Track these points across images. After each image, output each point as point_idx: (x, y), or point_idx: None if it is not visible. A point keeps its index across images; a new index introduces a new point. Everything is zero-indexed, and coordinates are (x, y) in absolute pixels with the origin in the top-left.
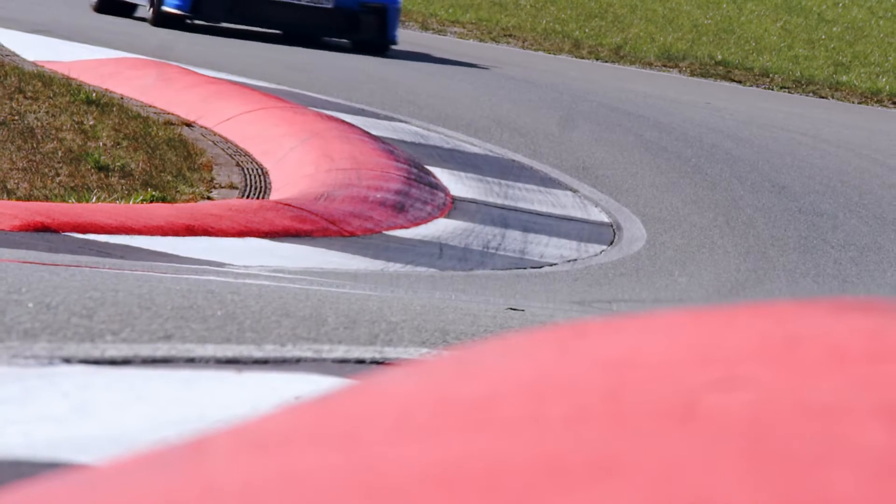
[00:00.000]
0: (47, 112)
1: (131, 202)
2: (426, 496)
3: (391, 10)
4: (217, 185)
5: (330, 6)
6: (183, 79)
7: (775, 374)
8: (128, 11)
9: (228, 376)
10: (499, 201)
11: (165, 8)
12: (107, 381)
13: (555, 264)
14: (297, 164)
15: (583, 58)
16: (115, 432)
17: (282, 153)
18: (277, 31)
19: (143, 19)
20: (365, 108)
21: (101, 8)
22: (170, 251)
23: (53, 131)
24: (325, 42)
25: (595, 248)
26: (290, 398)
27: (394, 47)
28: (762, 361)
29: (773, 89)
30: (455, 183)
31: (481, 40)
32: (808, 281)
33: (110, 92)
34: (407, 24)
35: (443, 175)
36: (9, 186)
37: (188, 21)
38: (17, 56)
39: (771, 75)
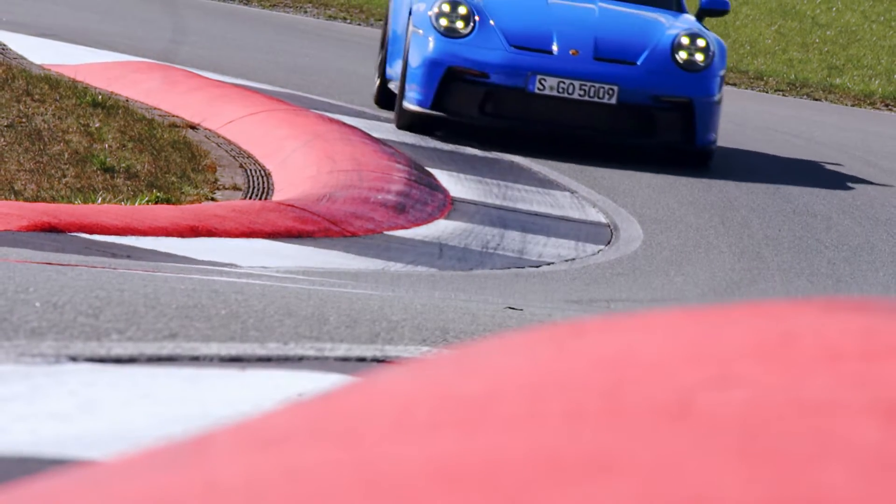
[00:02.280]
0: (54, 114)
1: (136, 203)
2: (426, 492)
3: (700, 106)
4: (221, 187)
5: (612, 102)
6: (187, 82)
7: (769, 372)
8: None
9: (232, 374)
10: (498, 202)
11: (407, 104)
12: (113, 379)
13: (553, 264)
14: (299, 165)
15: None
16: (120, 429)
17: (284, 155)
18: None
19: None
20: (366, 111)
21: (380, 101)
22: (174, 251)
23: (60, 133)
24: (625, 151)
25: (592, 247)
26: (293, 395)
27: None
28: (757, 360)
29: (767, 92)
30: (455, 184)
31: None
32: (802, 280)
33: (116, 95)
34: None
35: (442, 176)
36: (16, 188)
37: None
38: (25, 59)
39: (765, 78)
